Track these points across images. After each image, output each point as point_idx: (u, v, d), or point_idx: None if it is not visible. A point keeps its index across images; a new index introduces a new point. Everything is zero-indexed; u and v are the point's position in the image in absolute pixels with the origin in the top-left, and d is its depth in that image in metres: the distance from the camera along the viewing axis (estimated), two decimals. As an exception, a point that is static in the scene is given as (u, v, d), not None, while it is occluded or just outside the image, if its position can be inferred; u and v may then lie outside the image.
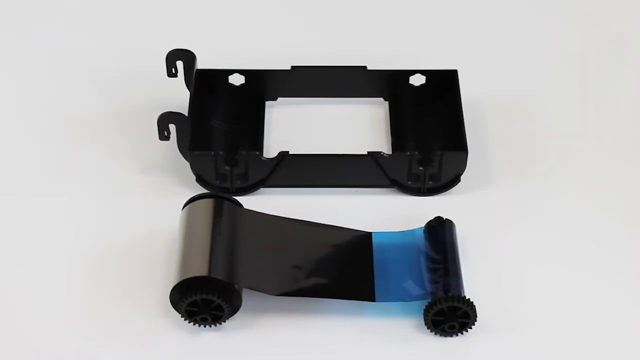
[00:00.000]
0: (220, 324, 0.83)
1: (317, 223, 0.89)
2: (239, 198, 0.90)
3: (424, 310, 0.82)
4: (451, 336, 0.83)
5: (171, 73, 0.99)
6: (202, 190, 0.93)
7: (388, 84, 1.01)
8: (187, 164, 0.93)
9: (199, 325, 0.83)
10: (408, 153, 0.92)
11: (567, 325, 0.84)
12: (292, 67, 1.01)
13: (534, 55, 1.09)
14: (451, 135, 0.95)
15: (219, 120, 0.99)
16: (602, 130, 1.00)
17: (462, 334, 0.83)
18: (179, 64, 0.99)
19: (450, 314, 0.82)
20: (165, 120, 0.92)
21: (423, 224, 0.88)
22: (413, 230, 0.88)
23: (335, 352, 0.83)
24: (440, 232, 0.87)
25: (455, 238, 0.87)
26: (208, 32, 1.11)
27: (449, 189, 0.94)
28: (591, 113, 1.02)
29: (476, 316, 0.82)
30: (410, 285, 0.84)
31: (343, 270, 0.86)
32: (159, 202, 0.93)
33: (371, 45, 1.09)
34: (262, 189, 0.94)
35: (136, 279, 0.87)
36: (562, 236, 0.90)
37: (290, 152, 0.93)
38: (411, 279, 0.85)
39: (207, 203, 0.86)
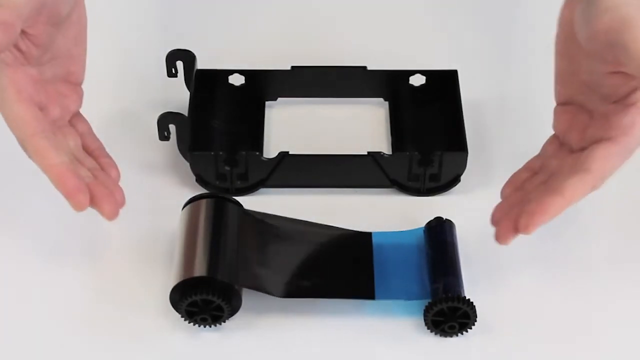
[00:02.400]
0: (220, 324, 0.83)
1: (317, 223, 0.89)
2: (239, 198, 0.90)
3: (424, 310, 0.82)
4: (451, 336, 0.83)
5: (171, 73, 0.99)
6: (202, 190, 0.93)
7: (388, 84, 1.01)
8: (187, 164, 0.93)
9: (199, 326, 0.83)
10: (408, 153, 0.92)
11: (567, 325, 0.84)
12: (292, 67, 1.01)
13: (534, 55, 1.09)
14: (451, 135, 0.95)
15: (219, 120, 0.99)
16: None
17: (462, 334, 0.83)
18: (179, 64, 0.99)
19: (450, 314, 0.82)
20: (165, 120, 0.92)
21: (423, 224, 0.88)
22: (413, 230, 0.88)
23: (335, 352, 0.83)
24: (440, 232, 0.87)
25: (455, 238, 0.87)
26: (208, 32, 1.11)
27: (449, 189, 0.94)
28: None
29: (476, 316, 0.82)
30: (410, 285, 0.84)
31: (343, 270, 0.86)
32: (159, 202, 0.93)
33: (371, 45, 1.09)
34: (262, 189, 0.94)
35: (136, 279, 0.87)
36: (562, 236, 0.90)
37: (290, 152, 0.93)
38: (411, 279, 0.85)
39: (207, 203, 0.86)
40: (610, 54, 0.76)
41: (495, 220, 0.81)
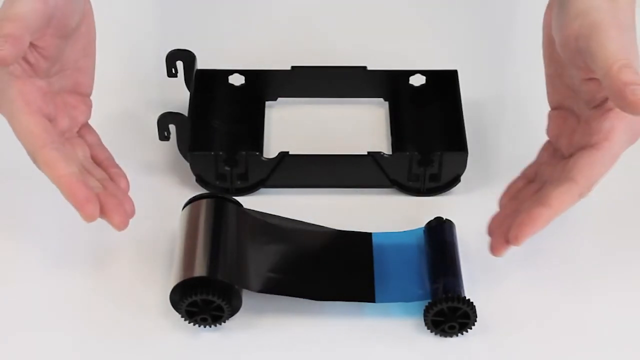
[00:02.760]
0: (220, 324, 0.83)
1: (317, 224, 0.89)
2: (239, 198, 0.90)
3: (424, 310, 0.82)
4: (451, 336, 0.83)
5: (171, 73, 0.99)
6: (202, 190, 0.93)
7: (388, 84, 1.01)
8: (187, 164, 0.93)
9: (199, 326, 0.83)
10: (408, 153, 0.92)
11: (566, 325, 0.84)
12: (292, 67, 1.01)
13: (533, 55, 1.08)
14: (451, 135, 0.95)
15: (219, 120, 0.99)
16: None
17: (462, 334, 0.83)
18: (179, 64, 0.99)
19: (450, 314, 0.82)
20: (165, 120, 0.92)
21: (423, 224, 0.88)
22: (413, 230, 0.88)
23: (335, 352, 0.83)
24: (440, 232, 0.87)
25: (455, 238, 0.87)
26: (208, 32, 1.11)
27: (449, 189, 0.94)
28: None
29: (476, 316, 0.82)
30: (410, 285, 0.84)
31: (343, 271, 0.86)
32: (159, 202, 0.93)
33: (371, 45, 1.09)
34: (262, 189, 0.94)
35: (136, 279, 0.87)
36: (562, 235, 0.90)
37: (290, 153, 0.93)
38: (411, 279, 0.85)
39: (208, 203, 0.86)
40: (581, 60, 0.76)
41: (490, 231, 0.81)
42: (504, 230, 0.79)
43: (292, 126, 1.01)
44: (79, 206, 0.78)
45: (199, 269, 0.81)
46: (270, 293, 0.83)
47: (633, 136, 0.79)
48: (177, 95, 1.00)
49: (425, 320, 0.82)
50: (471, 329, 0.83)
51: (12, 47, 0.76)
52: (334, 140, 0.98)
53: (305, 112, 1.02)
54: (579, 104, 0.81)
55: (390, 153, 0.94)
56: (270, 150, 0.97)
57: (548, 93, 0.84)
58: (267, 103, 1.02)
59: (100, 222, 0.90)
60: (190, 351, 0.83)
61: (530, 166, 0.85)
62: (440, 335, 0.83)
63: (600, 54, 0.73)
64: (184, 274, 0.81)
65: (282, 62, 1.01)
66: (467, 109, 0.97)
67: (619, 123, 0.78)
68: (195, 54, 0.99)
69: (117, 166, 0.86)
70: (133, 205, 0.83)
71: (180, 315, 0.82)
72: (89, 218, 0.79)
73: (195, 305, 0.82)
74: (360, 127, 1.01)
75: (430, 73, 1.00)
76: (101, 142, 0.88)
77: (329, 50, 1.08)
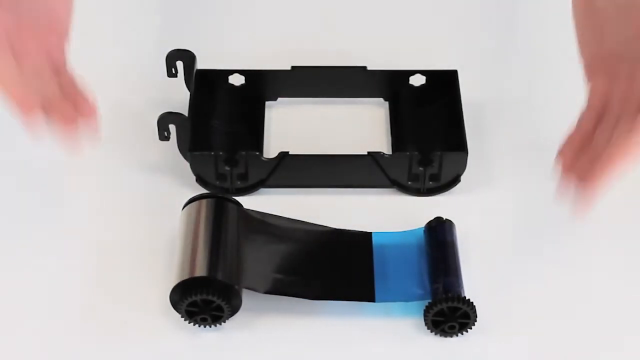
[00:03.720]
0: (220, 324, 0.83)
1: (317, 224, 0.89)
2: (239, 198, 0.90)
3: (424, 310, 0.82)
4: (451, 336, 0.83)
5: (171, 73, 0.99)
6: (202, 190, 0.93)
7: (388, 84, 1.01)
8: (187, 164, 0.93)
9: (199, 326, 0.83)
10: (408, 153, 0.92)
11: (567, 325, 0.84)
12: (292, 67, 1.01)
13: (534, 55, 1.09)
14: (451, 135, 0.95)
15: (219, 120, 0.99)
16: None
17: (462, 334, 0.83)
18: (179, 64, 0.99)
19: (450, 314, 0.82)
20: (165, 120, 0.92)
21: (423, 224, 0.88)
22: (413, 230, 0.88)
23: (336, 352, 0.83)
24: (440, 232, 0.87)
25: (455, 238, 0.87)
26: (208, 32, 1.11)
27: (449, 189, 0.94)
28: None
29: (476, 316, 0.82)
30: (410, 285, 0.84)
31: (343, 271, 0.86)
32: (159, 202, 0.93)
33: (371, 45, 1.09)
34: (262, 189, 0.94)
35: (136, 279, 0.87)
36: (562, 235, 0.90)
37: (290, 153, 0.93)
38: (411, 279, 0.85)
39: (208, 203, 0.86)
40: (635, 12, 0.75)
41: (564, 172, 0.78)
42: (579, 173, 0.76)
43: (292, 126, 1.01)
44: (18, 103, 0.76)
45: (199, 269, 0.81)
46: (271, 293, 0.83)
47: None
48: (177, 95, 1.00)
49: (425, 320, 0.82)
50: (471, 329, 0.83)
51: None
52: (334, 140, 0.98)
53: (305, 112, 1.02)
54: (624, 65, 0.78)
55: (390, 153, 0.94)
56: (270, 150, 0.97)
57: (585, 64, 0.82)
58: (267, 103, 1.02)
59: (99, 222, 0.90)
60: (190, 351, 0.83)
61: (572, 137, 0.81)
62: (440, 335, 0.83)
63: None
64: (184, 274, 0.81)
65: (282, 62, 1.01)
66: (467, 109, 0.97)
67: None
68: (195, 54, 0.99)
69: (85, 94, 0.82)
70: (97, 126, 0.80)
71: (180, 315, 0.83)
72: (26, 118, 0.76)
73: (195, 305, 0.82)
74: (360, 127, 1.01)
75: (430, 73, 1.00)
76: (74, 82, 0.83)
77: (329, 50, 1.08)
